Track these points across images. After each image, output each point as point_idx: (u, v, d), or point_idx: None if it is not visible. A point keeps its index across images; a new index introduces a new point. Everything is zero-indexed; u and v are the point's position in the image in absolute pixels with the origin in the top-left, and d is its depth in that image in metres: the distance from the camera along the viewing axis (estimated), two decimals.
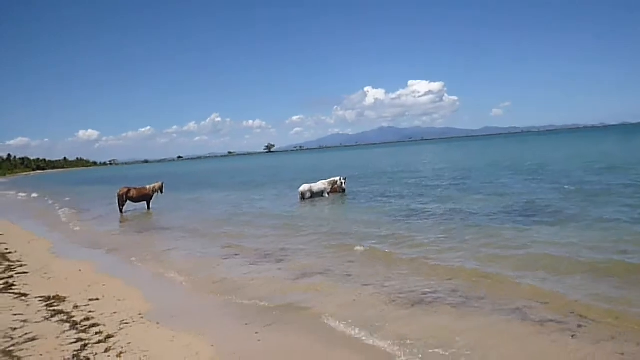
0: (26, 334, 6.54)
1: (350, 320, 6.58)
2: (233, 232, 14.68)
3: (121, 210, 22.47)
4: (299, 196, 21.68)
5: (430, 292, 7.57)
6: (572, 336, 5.67)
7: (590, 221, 11.81)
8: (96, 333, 6.48)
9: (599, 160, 31.30)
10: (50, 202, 32.84)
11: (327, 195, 21.66)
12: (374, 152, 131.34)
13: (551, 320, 6.18)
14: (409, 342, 5.78)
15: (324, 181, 22.24)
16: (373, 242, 11.50)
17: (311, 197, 21.46)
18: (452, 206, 16.06)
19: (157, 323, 6.86)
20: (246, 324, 6.73)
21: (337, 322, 6.56)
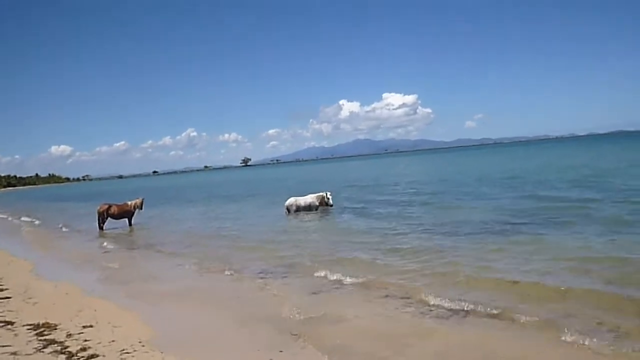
0: None
1: (375, 338, 6.34)
2: (221, 250, 14.15)
3: (101, 228, 21.77)
4: (284, 210, 21.38)
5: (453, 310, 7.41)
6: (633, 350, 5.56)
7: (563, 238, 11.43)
8: None
9: (570, 171, 31.75)
10: (24, 220, 31.64)
11: (316, 210, 21.35)
12: (350, 164, 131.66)
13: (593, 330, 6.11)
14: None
15: (312, 195, 21.91)
16: (377, 260, 11.29)
17: (297, 211, 21.17)
18: (435, 221, 15.69)
19: (162, 352, 6.40)
20: (258, 350, 6.35)
21: (360, 342, 6.27)
